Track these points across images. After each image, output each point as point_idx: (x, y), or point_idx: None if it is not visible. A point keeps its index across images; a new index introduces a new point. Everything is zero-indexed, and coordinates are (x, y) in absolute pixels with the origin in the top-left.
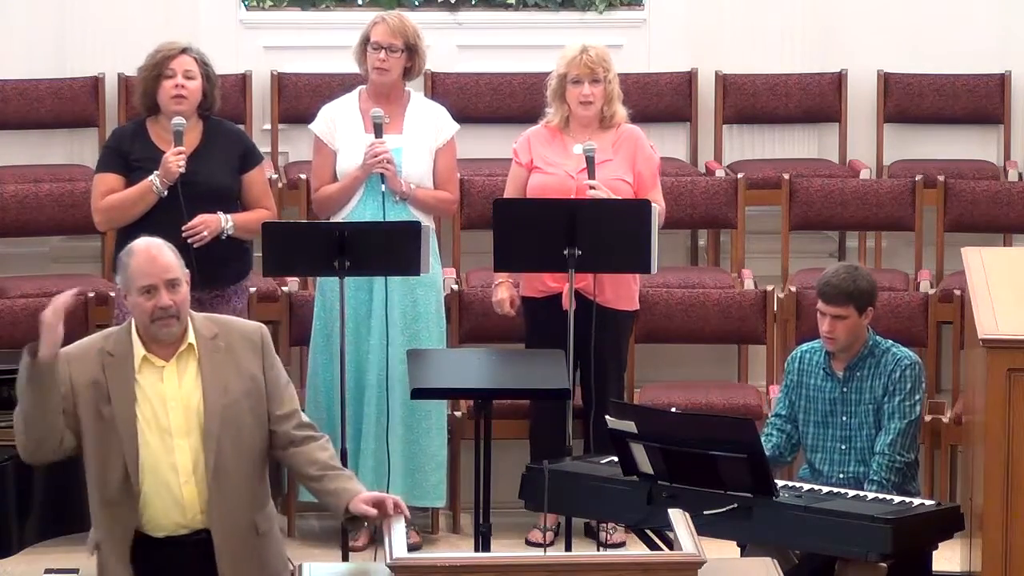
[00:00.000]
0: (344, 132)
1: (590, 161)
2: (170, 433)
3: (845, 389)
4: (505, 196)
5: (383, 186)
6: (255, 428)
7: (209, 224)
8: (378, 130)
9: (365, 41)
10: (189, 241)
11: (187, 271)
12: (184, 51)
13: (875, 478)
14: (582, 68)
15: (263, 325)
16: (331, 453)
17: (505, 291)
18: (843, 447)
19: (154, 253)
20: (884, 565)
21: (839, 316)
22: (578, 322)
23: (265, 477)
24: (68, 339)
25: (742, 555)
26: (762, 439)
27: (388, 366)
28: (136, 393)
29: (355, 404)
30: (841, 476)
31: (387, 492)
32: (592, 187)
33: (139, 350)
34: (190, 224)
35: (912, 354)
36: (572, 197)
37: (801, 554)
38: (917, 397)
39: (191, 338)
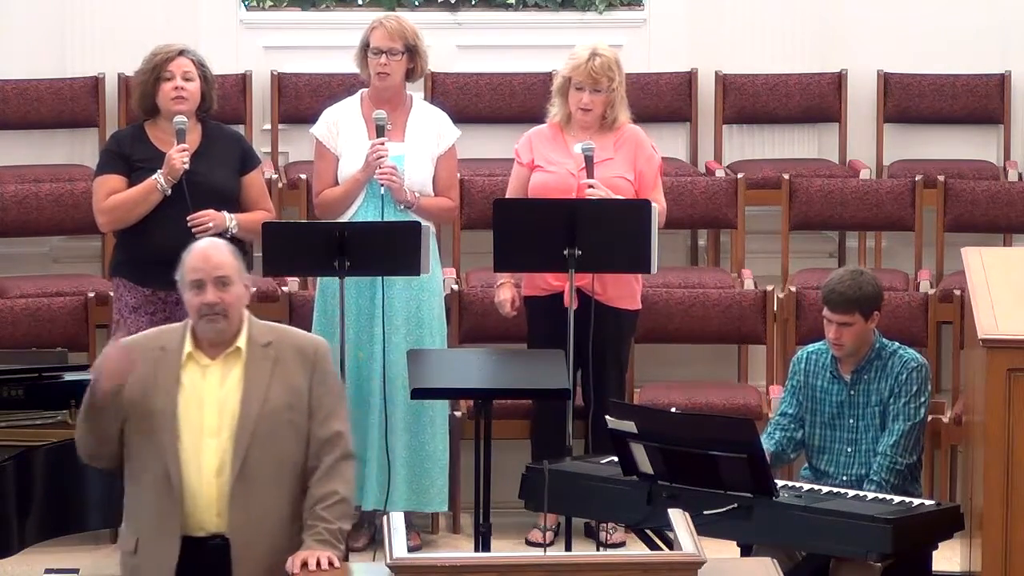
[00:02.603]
0: (347, 137)
1: (589, 160)
2: (201, 431)
3: (852, 392)
4: (507, 196)
5: (382, 189)
6: (293, 441)
7: (214, 217)
8: (380, 131)
9: (365, 46)
10: (195, 232)
11: (248, 276)
12: (182, 53)
13: (874, 478)
14: (585, 76)
15: (323, 341)
16: (328, 491)
17: (507, 291)
18: (849, 449)
19: (208, 250)
20: (879, 564)
21: (845, 323)
22: (580, 321)
23: (300, 493)
24: (68, 340)
25: (750, 555)
26: (764, 436)
27: (391, 371)
28: (177, 389)
29: (359, 409)
30: (845, 478)
31: (389, 498)
32: (591, 186)
33: (188, 346)
34: (195, 215)
35: (919, 356)
36: (574, 196)
37: (804, 552)
38: (922, 400)
39: (241, 342)
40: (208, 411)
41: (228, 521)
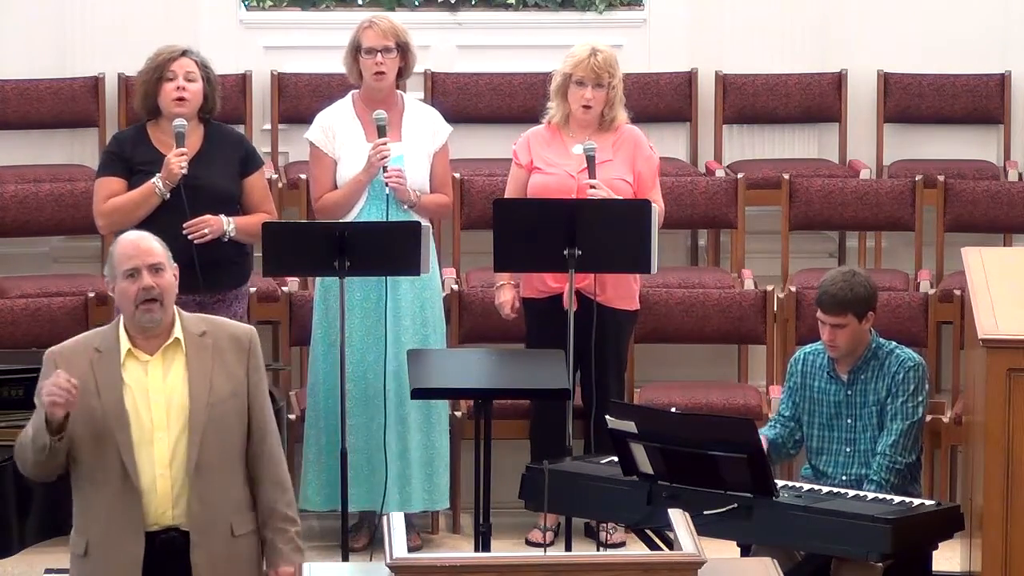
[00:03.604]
0: (344, 140)
1: (591, 160)
2: (151, 427)
3: (850, 392)
4: (505, 197)
5: (387, 189)
6: (238, 429)
7: (211, 223)
8: (381, 131)
9: (356, 48)
10: (190, 237)
11: (174, 264)
12: (184, 53)
13: (874, 478)
14: (588, 72)
15: (254, 329)
16: (283, 480)
17: (508, 293)
18: (848, 449)
19: (136, 239)
20: (880, 565)
21: (838, 325)
22: (579, 322)
23: (246, 479)
24: (65, 338)
25: (748, 555)
26: (766, 427)
27: (403, 372)
28: (122, 387)
29: (365, 410)
30: (844, 478)
31: (407, 499)
32: (593, 186)
33: (124, 344)
34: (192, 221)
35: (916, 355)
36: (573, 197)
37: (804, 553)
38: (920, 399)
39: (178, 333)
40: (156, 406)
41: (186, 513)
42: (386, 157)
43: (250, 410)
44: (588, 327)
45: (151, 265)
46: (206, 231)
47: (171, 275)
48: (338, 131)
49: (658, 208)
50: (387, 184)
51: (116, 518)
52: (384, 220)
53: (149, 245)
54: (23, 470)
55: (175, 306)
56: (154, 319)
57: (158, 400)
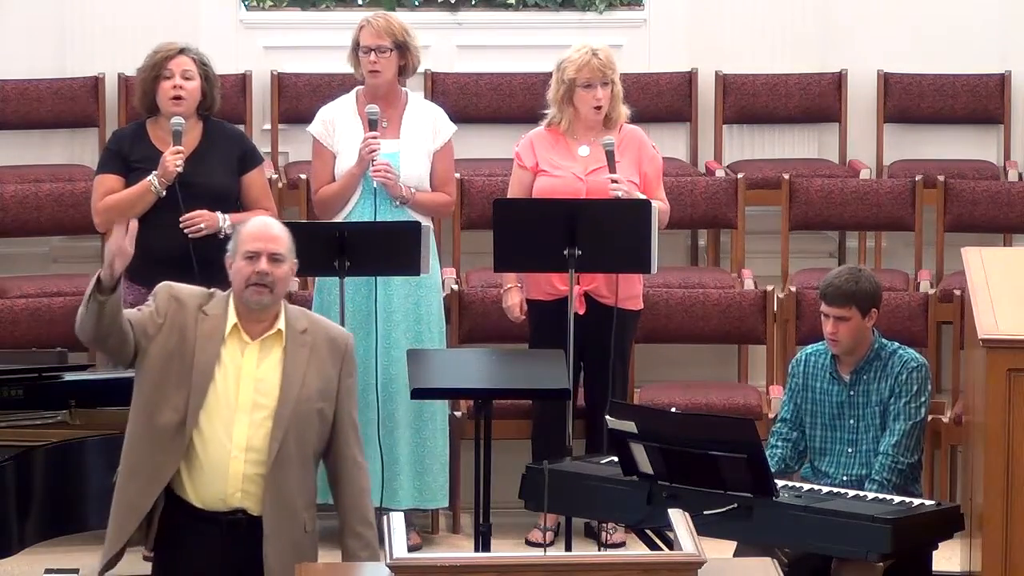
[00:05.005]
0: (343, 134)
1: (610, 156)
2: (234, 407)
3: (852, 392)
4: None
5: (374, 183)
6: (320, 429)
7: (205, 218)
8: (372, 124)
9: (356, 46)
10: (186, 231)
11: (295, 260)
12: (182, 51)
13: (876, 478)
14: (595, 72)
15: (351, 335)
16: (365, 487)
17: (515, 296)
18: (850, 450)
19: (266, 225)
20: (880, 565)
21: (842, 318)
22: (588, 324)
23: (315, 478)
24: (68, 340)
25: (734, 555)
26: (767, 451)
27: (393, 369)
28: (217, 358)
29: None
30: (845, 478)
31: (395, 496)
32: (614, 180)
33: (232, 318)
34: (187, 216)
35: (919, 356)
36: (583, 198)
37: (792, 555)
38: (923, 399)
39: (281, 325)
40: (244, 388)
41: (263, 501)
42: (375, 151)
43: (336, 412)
44: (597, 329)
45: (272, 253)
46: (201, 225)
47: (289, 268)
48: (338, 125)
49: (663, 208)
50: (373, 178)
51: (148, 468)
52: (373, 215)
53: (276, 234)
54: (79, 332)
55: (283, 300)
56: (261, 302)
57: (247, 384)
